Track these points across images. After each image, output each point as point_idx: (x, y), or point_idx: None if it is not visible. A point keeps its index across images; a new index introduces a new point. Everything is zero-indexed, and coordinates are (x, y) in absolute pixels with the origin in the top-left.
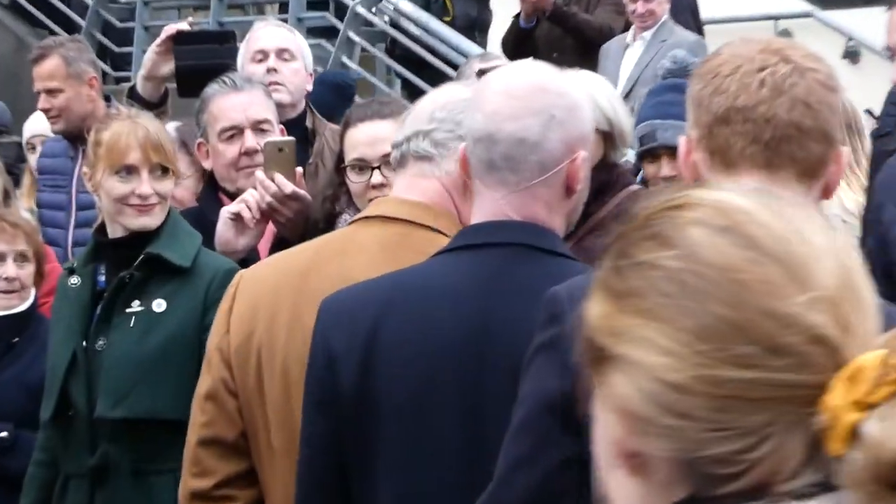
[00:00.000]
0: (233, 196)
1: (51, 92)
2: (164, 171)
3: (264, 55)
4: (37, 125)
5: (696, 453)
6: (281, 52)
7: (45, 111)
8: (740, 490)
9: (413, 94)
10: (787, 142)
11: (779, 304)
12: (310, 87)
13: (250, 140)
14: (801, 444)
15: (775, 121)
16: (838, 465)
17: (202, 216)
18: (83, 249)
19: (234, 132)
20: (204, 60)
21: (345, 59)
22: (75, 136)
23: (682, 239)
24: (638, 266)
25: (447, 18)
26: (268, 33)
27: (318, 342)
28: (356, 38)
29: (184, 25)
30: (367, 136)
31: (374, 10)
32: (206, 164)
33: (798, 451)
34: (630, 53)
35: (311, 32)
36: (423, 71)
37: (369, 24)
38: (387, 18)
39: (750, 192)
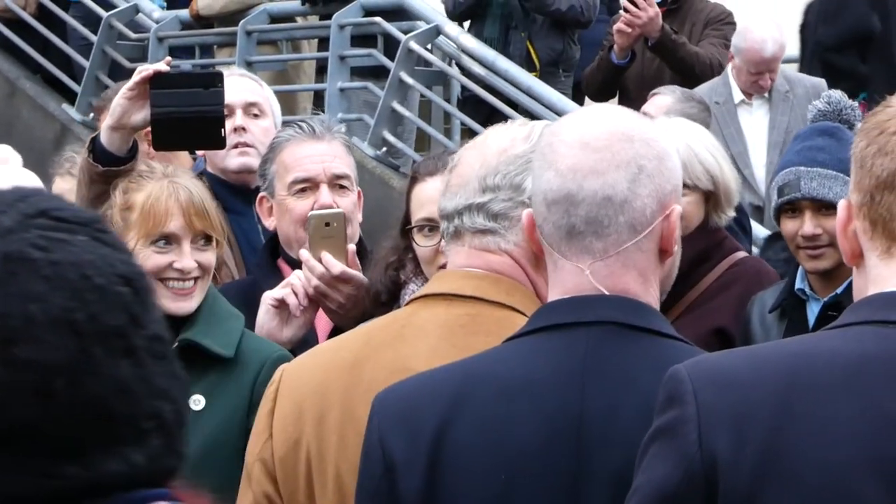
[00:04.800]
0: (297, 264)
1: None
2: (208, 240)
3: (229, 111)
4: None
5: None
6: (249, 108)
7: None
8: None
9: None
10: None
11: None
12: None
13: (326, 196)
14: None
15: None
16: None
17: (255, 289)
18: None
19: (308, 185)
20: (185, 107)
21: (396, 105)
22: None
23: None
24: None
25: (534, 73)
26: (232, 85)
27: (372, 446)
28: (409, 80)
29: (162, 66)
30: (438, 193)
31: (429, 46)
32: (269, 223)
33: None
34: (755, 116)
35: (357, 72)
36: (492, 119)
37: (426, 62)
38: (448, 57)
39: None
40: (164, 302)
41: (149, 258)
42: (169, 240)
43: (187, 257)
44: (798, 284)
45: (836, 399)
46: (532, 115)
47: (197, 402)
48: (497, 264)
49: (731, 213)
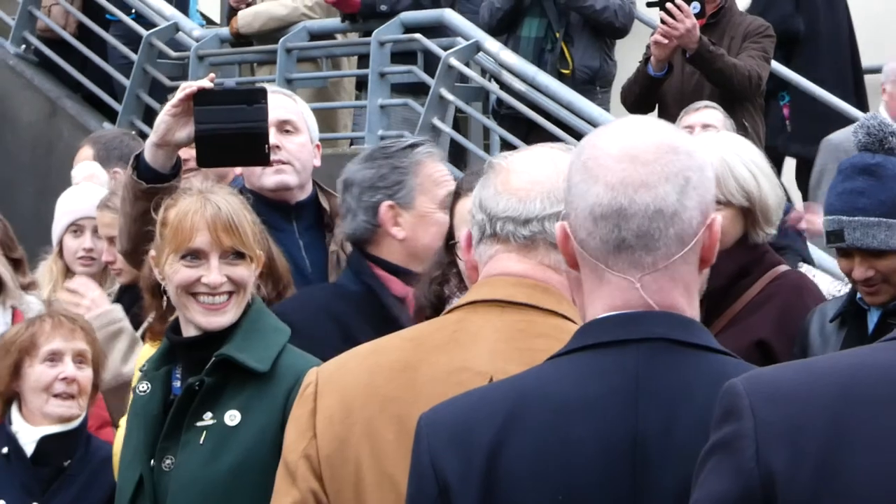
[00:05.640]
0: (410, 277)
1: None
2: (239, 255)
3: None
4: (80, 203)
5: None
6: (282, 125)
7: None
8: None
9: None
10: None
11: None
12: (318, 163)
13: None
14: None
15: None
16: None
17: (371, 297)
18: (156, 350)
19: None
20: (228, 124)
21: (436, 121)
22: None
23: None
24: None
25: (566, 71)
26: None
27: (424, 467)
28: (450, 97)
29: (205, 83)
30: None
31: (470, 62)
32: (397, 232)
33: None
34: None
35: (397, 89)
36: (531, 134)
37: (466, 79)
38: (487, 73)
39: None
40: (196, 317)
41: (178, 272)
42: (197, 255)
43: (215, 272)
44: (860, 293)
45: (892, 412)
46: (572, 131)
47: (233, 417)
48: (555, 281)
49: (772, 231)
